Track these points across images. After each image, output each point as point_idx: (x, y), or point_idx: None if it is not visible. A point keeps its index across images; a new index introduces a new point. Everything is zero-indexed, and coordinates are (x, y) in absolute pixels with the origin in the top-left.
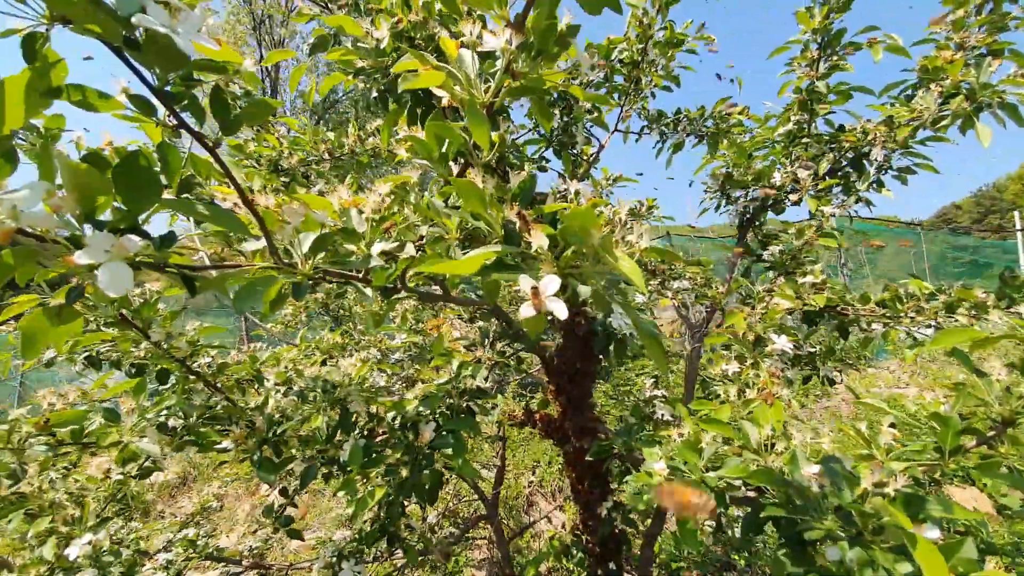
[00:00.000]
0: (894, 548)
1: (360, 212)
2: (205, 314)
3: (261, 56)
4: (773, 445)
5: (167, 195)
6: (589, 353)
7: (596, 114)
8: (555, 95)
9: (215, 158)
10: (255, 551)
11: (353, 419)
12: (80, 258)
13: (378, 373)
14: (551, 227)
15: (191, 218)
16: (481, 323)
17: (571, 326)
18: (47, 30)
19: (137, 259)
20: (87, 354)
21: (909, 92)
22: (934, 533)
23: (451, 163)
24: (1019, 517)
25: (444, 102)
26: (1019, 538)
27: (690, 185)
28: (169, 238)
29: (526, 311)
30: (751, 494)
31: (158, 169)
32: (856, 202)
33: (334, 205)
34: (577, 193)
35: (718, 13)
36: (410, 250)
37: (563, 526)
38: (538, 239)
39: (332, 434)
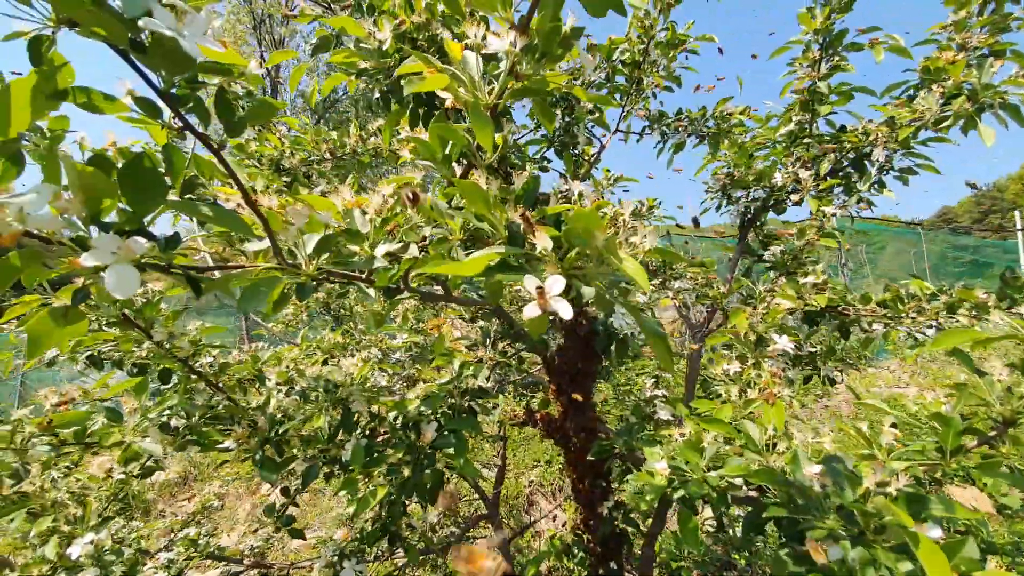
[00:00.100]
0: (896, 547)
1: (363, 213)
2: (206, 314)
3: (262, 56)
4: (775, 445)
5: (171, 196)
6: (590, 353)
7: (597, 114)
8: (557, 96)
9: (220, 160)
10: (256, 550)
11: (355, 419)
12: (87, 260)
13: (379, 373)
14: (555, 228)
15: (195, 219)
16: (482, 323)
17: (572, 326)
18: (53, 33)
19: (143, 261)
20: (89, 353)
21: (911, 93)
22: (936, 532)
23: (454, 164)
24: (1019, 517)
25: (448, 103)
26: (1019, 538)
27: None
28: (174, 240)
29: (531, 311)
30: (753, 494)
31: (163, 170)
32: (857, 202)
33: (337, 206)
34: (581, 195)
35: (719, 13)
36: (413, 251)
37: (564, 526)
38: (542, 240)
39: (334, 434)
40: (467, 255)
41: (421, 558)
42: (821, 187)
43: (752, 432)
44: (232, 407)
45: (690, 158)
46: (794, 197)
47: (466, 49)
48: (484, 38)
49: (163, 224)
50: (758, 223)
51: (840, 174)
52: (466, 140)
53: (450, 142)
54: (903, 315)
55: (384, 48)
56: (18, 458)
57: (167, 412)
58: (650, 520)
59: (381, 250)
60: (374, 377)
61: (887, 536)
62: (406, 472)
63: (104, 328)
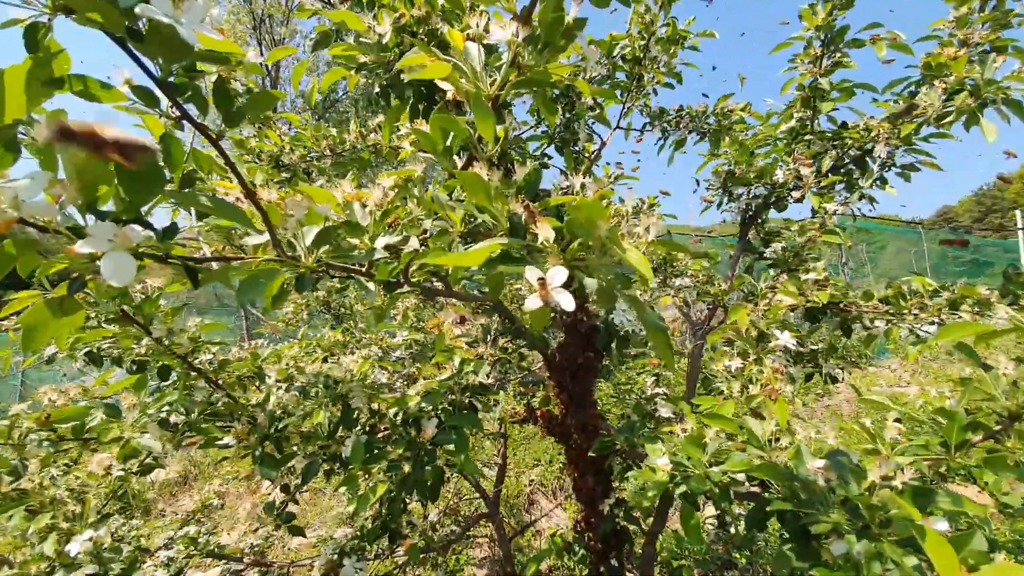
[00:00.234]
0: (902, 541)
1: (363, 206)
2: (206, 313)
3: (262, 55)
4: (777, 440)
5: (169, 188)
6: (591, 349)
7: (598, 111)
8: (558, 92)
9: (218, 150)
10: (256, 548)
11: (355, 415)
12: (82, 247)
13: (379, 371)
14: (557, 220)
15: (193, 211)
16: (483, 319)
17: (573, 323)
18: (49, 20)
19: (140, 250)
20: (87, 350)
21: (912, 89)
22: (943, 525)
23: (455, 157)
24: (1021, 515)
25: (449, 95)
26: (1021, 536)
27: (694, 192)
28: (172, 229)
29: (533, 303)
30: (755, 489)
31: (160, 161)
32: (859, 199)
33: (337, 198)
34: (583, 186)
35: (719, 10)
36: (414, 243)
37: (564, 524)
38: (544, 231)
39: (334, 430)
40: (468, 248)
41: (421, 556)
42: (823, 184)
43: (754, 428)
44: (232, 404)
45: (691, 157)
46: (795, 194)
47: (468, 40)
48: (486, 28)
49: (162, 219)
50: (759, 220)
51: (842, 171)
52: (467, 132)
53: (451, 134)
54: (905, 312)
55: (384, 42)
56: (17, 454)
57: (166, 408)
58: (651, 519)
59: (381, 242)
60: (374, 374)
61: (892, 530)
62: (406, 468)
63: (103, 325)
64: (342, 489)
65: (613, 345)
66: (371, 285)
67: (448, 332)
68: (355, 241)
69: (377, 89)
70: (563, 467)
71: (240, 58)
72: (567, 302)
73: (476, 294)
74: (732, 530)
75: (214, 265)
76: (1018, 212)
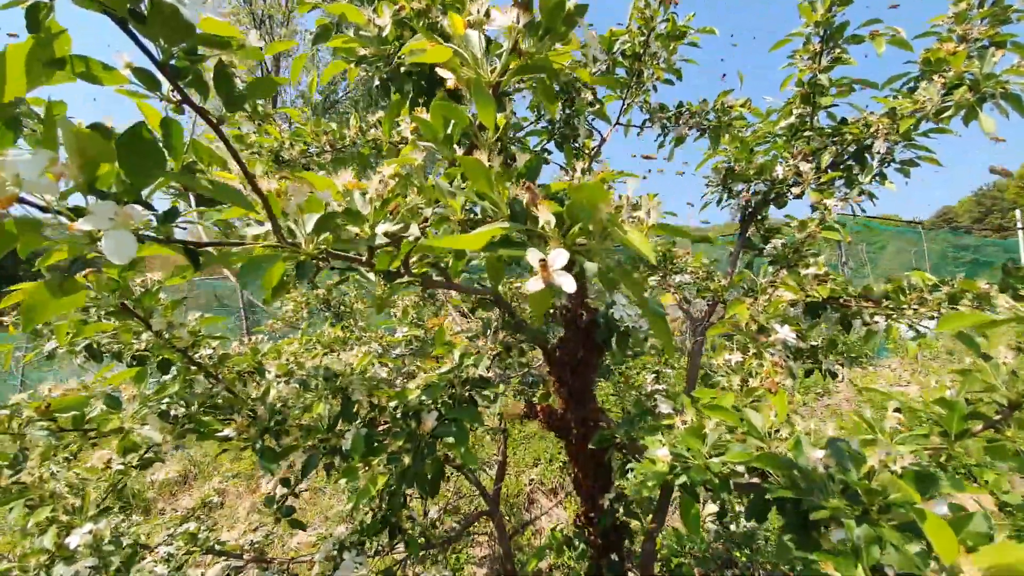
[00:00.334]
0: (902, 526)
1: (363, 195)
2: (207, 312)
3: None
4: (777, 432)
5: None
6: (591, 344)
7: (598, 107)
8: (558, 88)
9: (219, 134)
10: (256, 545)
11: (355, 408)
12: (83, 224)
13: (379, 367)
14: (558, 205)
15: (193, 200)
16: (484, 314)
17: (573, 318)
18: (51, 0)
19: (141, 232)
20: (87, 343)
21: (912, 85)
22: (943, 509)
23: (455, 147)
24: (1020, 512)
25: (449, 84)
26: (1021, 533)
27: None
28: (172, 213)
29: (534, 284)
30: (755, 481)
31: (161, 144)
32: (859, 194)
33: (338, 186)
34: (585, 171)
35: (718, 8)
36: (415, 231)
37: (565, 523)
38: (545, 214)
39: (334, 423)
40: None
41: (421, 554)
42: (822, 180)
43: (754, 419)
44: (232, 398)
45: (690, 153)
46: (795, 190)
47: (469, 26)
48: (487, 14)
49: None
50: (759, 217)
51: (841, 166)
52: (468, 119)
53: (452, 122)
54: (905, 306)
55: (384, 35)
56: (16, 443)
57: (167, 401)
58: (651, 517)
59: (382, 229)
60: (374, 369)
61: (892, 515)
62: (406, 460)
63: (103, 320)
64: (342, 488)
65: (613, 340)
66: (371, 275)
67: (448, 328)
68: (355, 230)
69: (377, 82)
70: (563, 466)
71: (241, 41)
72: (568, 284)
73: (477, 287)
74: (732, 527)
75: (213, 252)
76: (1018, 212)
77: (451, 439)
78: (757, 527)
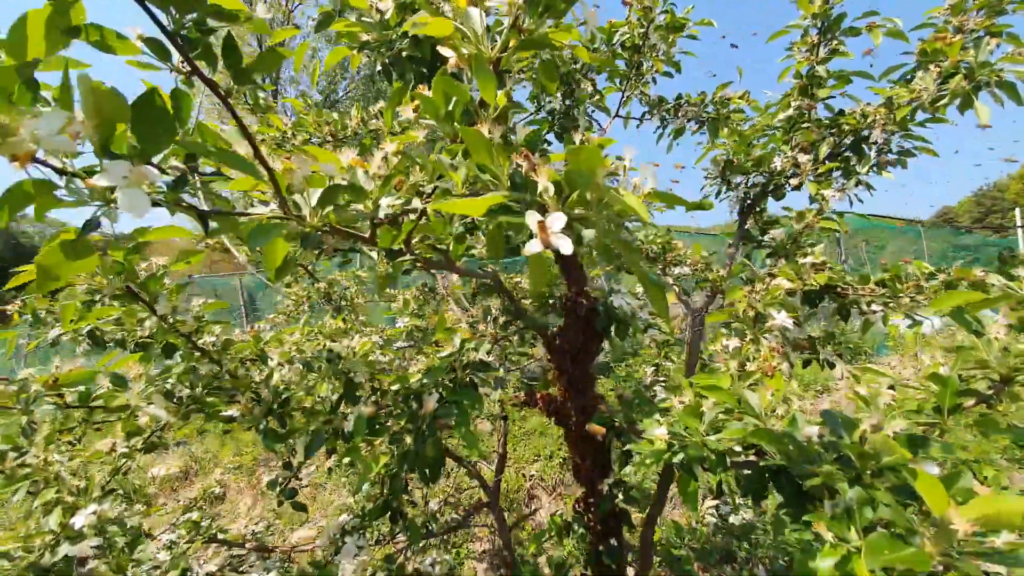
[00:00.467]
0: (894, 488)
1: (366, 172)
2: None
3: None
4: (774, 411)
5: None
6: (591, 332)
7: (598, 97)
8: (559, 72)
9: (226, 106)
10: (258, 535)
11: (357, 391)
12: (99, 180)
13: (380, 356)
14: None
15: (201, 157)
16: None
17: (573, 306)
18: None
19: (152, 196)
20: (90, 329)
21: (909, 76)
22: (934, 470)
23: (456, 125)
24: None
25: (451, 62)
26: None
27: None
28: (182, 179)
29: (533, 246)
30: (752, 458)
31: (171, 112)
32: (856, 185)
33: (342, 162)
34: (584, 140)
35: (717, 4)
36: (416, 203)
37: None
38: (544, 180)
39: (336, 405)
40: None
41: (421, 544)
42: (820, 171)
43: (751, 399)
44: (235, 380)
45: (689, 149)
46: (793, 181)
47: (470, 4)
48: None
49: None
50: (757, 209)
51: (839, 158)
52: (469, 96)
53: (453, 98)
54: (901, 295)
55: (386, 19)
56: (24, 417)
57: (171, 381)
58: (650, 505)
59: (385, 202)
60: (376, 356)
61: (884, 479)
62: (408, 440)
63: (108, 304)
64: (343, 484)
65: (613, 329)
66: (374, 254)
67: (450, 317)
68: (359, 206)
69: (379, 67)
70: (563, 462)
71: (249, 14)
72: (566, 246)
73: (478, 271)
74: (731, 520)
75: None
76: (1017, 211)
77: (452, 420)
78: (755, 520)
